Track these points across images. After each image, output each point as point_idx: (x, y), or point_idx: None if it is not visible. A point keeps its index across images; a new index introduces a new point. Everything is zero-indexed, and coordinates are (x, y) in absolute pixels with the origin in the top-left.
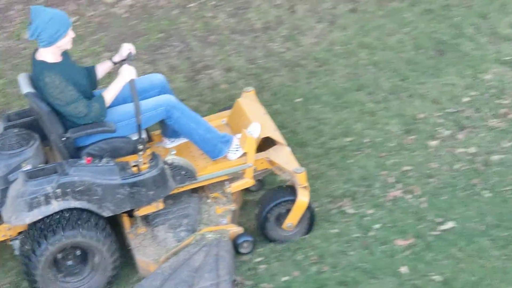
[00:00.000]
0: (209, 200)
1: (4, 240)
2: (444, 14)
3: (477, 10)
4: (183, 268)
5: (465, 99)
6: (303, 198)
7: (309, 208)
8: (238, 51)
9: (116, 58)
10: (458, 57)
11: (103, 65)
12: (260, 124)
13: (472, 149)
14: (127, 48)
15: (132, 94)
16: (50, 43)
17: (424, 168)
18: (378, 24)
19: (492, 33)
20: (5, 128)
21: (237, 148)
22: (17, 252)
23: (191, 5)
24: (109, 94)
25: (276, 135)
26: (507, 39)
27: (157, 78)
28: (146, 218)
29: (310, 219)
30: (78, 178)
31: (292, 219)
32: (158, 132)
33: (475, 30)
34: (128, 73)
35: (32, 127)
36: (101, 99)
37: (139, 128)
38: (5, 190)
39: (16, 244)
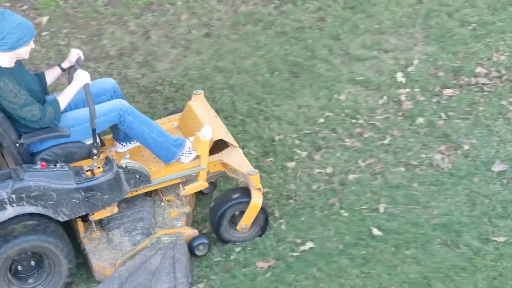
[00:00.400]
0: (163, 204)
1: None
2: (297, 36)
3: (329, 31)
4: (140, 271)
5: (321, 120)
6: (257, 199)
7: (263, 210)
8: (93, 78)
9: (65, 64)
10: (312, 79)
11: (52, 71)
12: (211, 126)
13: (329, 169)
14: (75, 53)
15: (87, 98)
16: (11, 48)
17: (283, 190)
18: (232, 48)
19: (344, 54)
20: None
21: (190, 151)
22: None
23: (44, 33)
24: (64, 98)
25: (228, 137)
26: (359, 59)
27: (109, 82)
28: (100, 222)
29: (265, 221)
30: (33, 183)
31: (246, 220)
32: (109, 136)
33: (328, 51)
34: (82, 77)
35: None
36: (56, 103)
37: (93, 133)
38: None
39: None
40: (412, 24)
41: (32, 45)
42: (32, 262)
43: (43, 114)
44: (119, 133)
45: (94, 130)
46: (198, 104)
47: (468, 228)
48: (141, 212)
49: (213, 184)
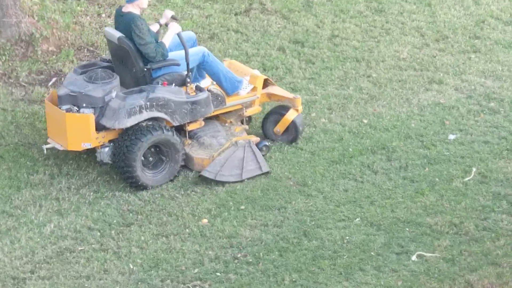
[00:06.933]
0: (226, 124)
1: (94, 147)
2: None
3: None
4: (232, 158)
5: None
6: (289, 115)
7: (295, 125)
8: None
9: (162, 21)
10: None
11: (153, 27)
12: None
13: None
14: (170, 13)
15: (182, 41)
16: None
17: None
18: None
19: None
20: (82, 72)
21: (245, 86)
22: (103, 159)
23: None
24: (166, 41)
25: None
26: None
27: (192, 34)
28: (188, 134)
29: (295, 134)
30: (161, 95)
31: (280, 127)
32: None
33: None
34: (176, 27)
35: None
36: (162, 44)
37: (187, 66)
38: (102, 108)
39: (104, 152)
40: None
41: None
42: (156, 155)
43: (157, 51)
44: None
45: (187, 64)
46: (234, 61)
47: None
48: (216, 127)
49: (250, 118)
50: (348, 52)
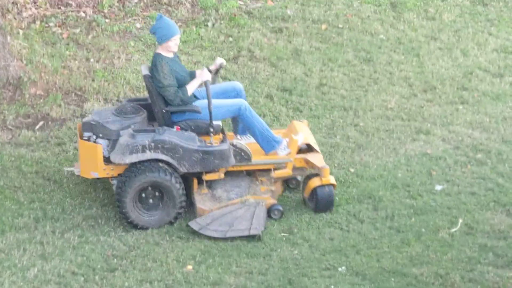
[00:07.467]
0: (257, 182)
1: (106, 177)
2: None
3: None
4: (227, 215)
5: None
6: (313, 182)
7: (315, 191)
8: None
9: (212, 67)
10: None
11: (199, 72)
12: (304, 135)
13: None
14: (220, 60)
15: (206, 90)
16: (160, 41)
17: None
18: None
19: None
20: (123, 105)
21: (285, 148)
22: (114, 189)
23: None
24: (190, 88)
25: (314, 144)
26: None
27: (237, 85)
28: (208, 184)
29: (316, 201)
30: (168, 138)
31: (306, 191)
32: (231, 132)
33: None
34: (205, 75)
35: (145, 107)
36: (184, 90)
37: (210, 115)
38: (115, 141)
39: (114, 184)
40: None
41: (175, 40)
42: (155, 197)
43: (177, 95)
44: (237, 127)
45: (210, 113)
46: (300, 123)
47: None
48: (240, 182)
49: (297, 181)
50: (336, 101)
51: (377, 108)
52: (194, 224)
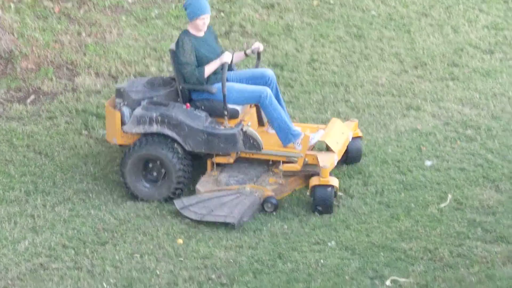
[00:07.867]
0: (270, 172)
1: (124, 145)
2: None
3: None
4: (215, 199)
5: None
6: (312, 180)
7: (313, 189)
8: None
9: (248, 51)
10: None
11: (239, 54)
12: (324, 132)
13: None
14: (257, 45)
15: (222, 72)
16: (189, 18)
17: None
18: None
19: None
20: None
21: (300, 142)
22: None
23: None
24: (208, 69)
25: (332, 143)
26: None
27: (268, 72)
28: (221, 168)
29: (313, 200)
30: (175, 115)
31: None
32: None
33: None
34: (225, 57)
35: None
36: (201, 69)
37: (224, 98)
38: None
39: None
40: None
41: (204, 19)
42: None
43: (193, 74)
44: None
45: (224, 96)
46: (337, 121)
47: None
48: (250, 170)
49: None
50: (327, 77)
51: (368, 84)
52: (178, 202)
